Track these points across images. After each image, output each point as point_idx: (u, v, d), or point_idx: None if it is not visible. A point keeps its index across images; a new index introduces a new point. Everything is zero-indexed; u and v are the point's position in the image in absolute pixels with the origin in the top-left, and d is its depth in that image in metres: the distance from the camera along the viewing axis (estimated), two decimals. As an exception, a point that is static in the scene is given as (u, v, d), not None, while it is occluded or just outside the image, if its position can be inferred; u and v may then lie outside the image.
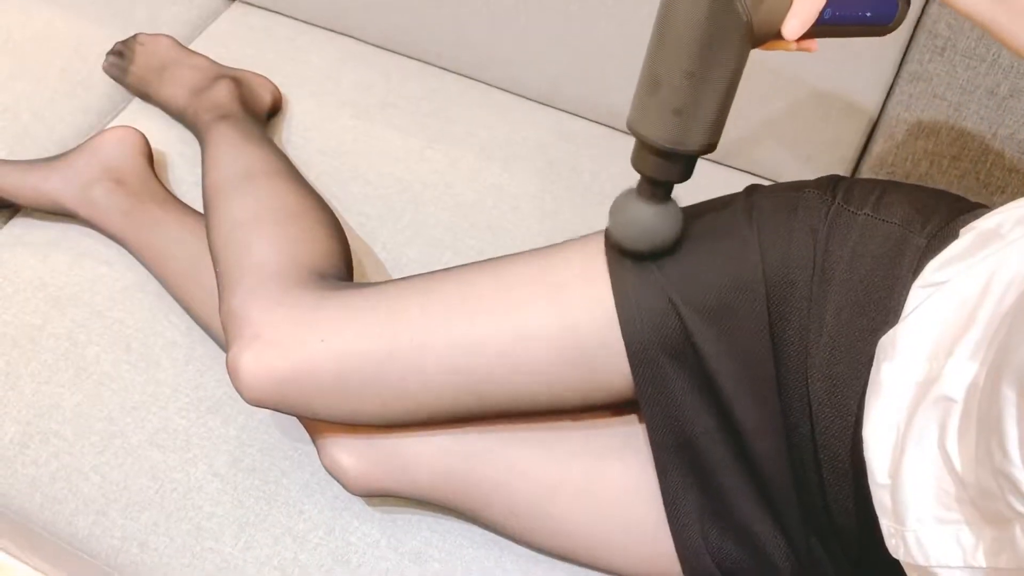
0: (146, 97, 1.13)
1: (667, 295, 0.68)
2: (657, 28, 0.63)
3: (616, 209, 0.70)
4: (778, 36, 0.63)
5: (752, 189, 0.75)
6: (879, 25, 0.70)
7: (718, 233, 0.71)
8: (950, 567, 0.55)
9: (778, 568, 0.72)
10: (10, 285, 0.97)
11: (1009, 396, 0.49)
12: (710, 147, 0.66)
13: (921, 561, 0.56)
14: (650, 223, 0.68)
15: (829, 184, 0.72)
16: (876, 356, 0.63)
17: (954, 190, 0.96)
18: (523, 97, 1.18)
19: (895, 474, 0.59)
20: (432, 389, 0.71)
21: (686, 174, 0.67)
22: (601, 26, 1.05)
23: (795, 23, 0.62)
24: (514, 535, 0.79)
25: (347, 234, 0.89)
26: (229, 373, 0.72)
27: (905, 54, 0.95)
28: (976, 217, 0.65)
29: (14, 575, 1.17)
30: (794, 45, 0.65)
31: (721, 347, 0.68)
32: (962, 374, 0.57)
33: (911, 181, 0.97)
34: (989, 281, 0.59)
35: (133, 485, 0.84)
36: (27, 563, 1.15)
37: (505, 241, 1.02)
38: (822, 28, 0.66)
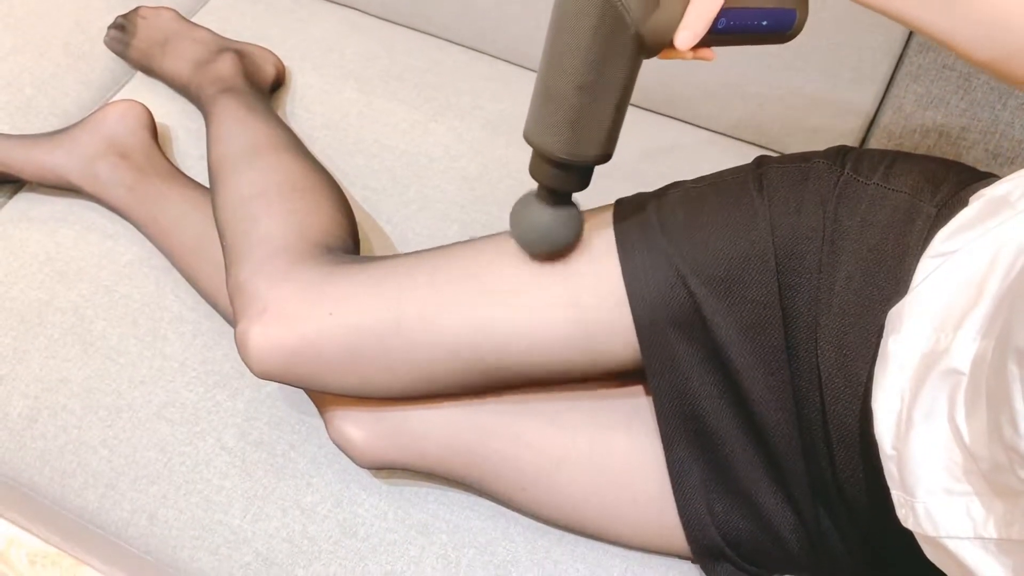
0: (149, 71, 1.12)
1: (676, 267, 0.68)
2: (548, 40, 0.62)
3: (516, 212, 0.70)
4: (672, 46, 0.63)
5: (761, 160, 0.74)
6: (778, 33, 0.69)
7: (727, 204, 0.70)
8: (959, 537, 0.55)
9: (785, 540, 0.72)
10: (16, 260, 0.97)
11: (1015, 372, 0.49)
12: (604, 157, 0.65)
13: (931, 532, 0.57)
14: (548, 228, 0.68)
15: (838, 154, 0.72)
16: (885, 328, 0.63)
17: (963, 161, 0.96)
18: (529, 69, 1.17)
19: (903, 445, 0.59)
20: (439, 362, 0.72)
21: (583, 183, 0.67)
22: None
23: (687, 34, 0.63)
24: (521, 507, 0.79)
25: (352, 208, 0.89)
26: (238, 347, 0.72)
27: (915, 23, 0.93)
28: (986, 186, 0.65)
29: (25, 548, 1.18)
30: (690, 55, 0.65)
31: (730, 318, 0.68)
32: (971, 347, 0.57)
33: (920, 152, 0.97)
34: (997, 253, 0.59)
35: (142, 458, 0.84)
36: (37, 535, 1.16)
37: (511, 214, 1.02)
38: (717, 37, 0.66)
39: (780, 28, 0.69)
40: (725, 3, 0.64)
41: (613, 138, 0.65)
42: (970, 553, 0.55)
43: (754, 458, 0.71)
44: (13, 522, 1.14)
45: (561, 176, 0.66)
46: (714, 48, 0.66)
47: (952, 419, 0.56)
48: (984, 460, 0.53)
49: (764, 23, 0.67)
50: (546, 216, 0.68)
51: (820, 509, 0.70)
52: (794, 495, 0.71)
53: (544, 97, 0.63)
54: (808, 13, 0.70)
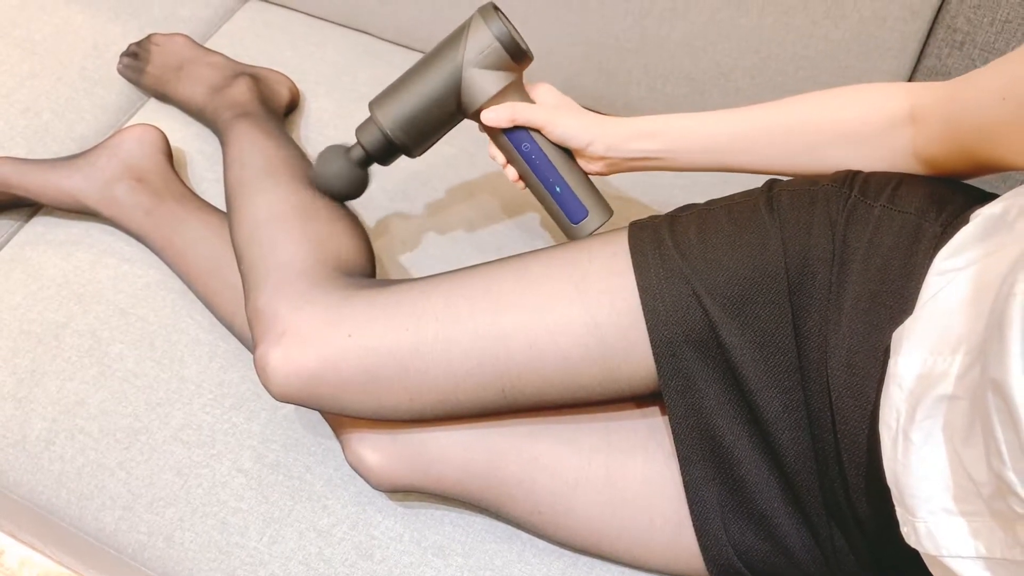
0: (163, 97, 1.13)
1: (691, 286, 0.69)
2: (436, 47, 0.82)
3: (327, 149, 0.86)
4: (478, 116, 0.80)
5: (772, 183, 0.75)
6: (566, 214, 0.83)
7: (740, 226, 0.71)
8: (961, 557, 0.55)
9: (800, 559, 0.72)
10: (34, 283, 0.98)
11: (992, 401, 0.49)
12: (407, 149, 0.83)
13: (932, 551, 0.57)
14: (335, 172, 0.85)
15: (846, 178, 0.73)
16: (891, 350, 0.63)
17: (972, 184, 0.96)
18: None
19: (903, 465, 0.59)
20: (457, 383, 0.72)
21: (384, 159, 0.85)
22: (617, 20, 1.05)
23: (491, 114, 0.80)
24: (537, 530, 0.79)
25: (367, 231, 0.90)
26: (257, 371, 0.73)
27: (923, 48, 0.94)
28: None
29: (37, 569, 1.18)
30: (501, 158, 0.84)
31: (744, 338, 0.69)
32: (966, 373, 0.57)
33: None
34: (993, 278, 0.59)
35: (159, 481, 0.85)
36: (51, 557, 1.16)
37: (527, 237, 1.02)
38: (523, 169, 0.82)
39: (568, 209, 0.82)
40: (534, 133, 0.80)
41: (421, 137, 0.83)
42: (971, 572, 0.55)
43: (769, 478, 0.72)
44: (29, 544, 1.14)
45: (376, 141, 0.83)
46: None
47: (951, 442, 0.56)
48: (985, 485, 0.54)
49: (557, 189, 0.82)
50: (342, 164, 0.85)
51: (834, 528, 0.71)
52: (809, 514, 0.71)
53: (400, 78, 0.82)
54: (602, 226, 0.81)
